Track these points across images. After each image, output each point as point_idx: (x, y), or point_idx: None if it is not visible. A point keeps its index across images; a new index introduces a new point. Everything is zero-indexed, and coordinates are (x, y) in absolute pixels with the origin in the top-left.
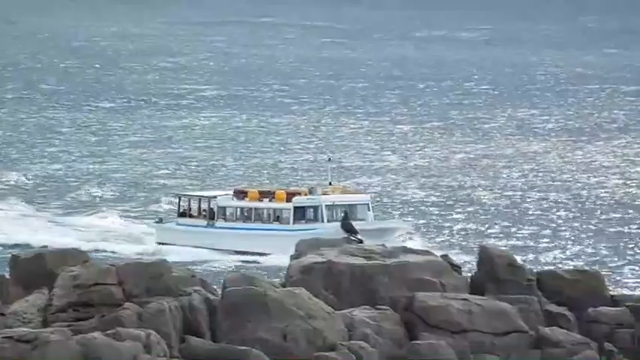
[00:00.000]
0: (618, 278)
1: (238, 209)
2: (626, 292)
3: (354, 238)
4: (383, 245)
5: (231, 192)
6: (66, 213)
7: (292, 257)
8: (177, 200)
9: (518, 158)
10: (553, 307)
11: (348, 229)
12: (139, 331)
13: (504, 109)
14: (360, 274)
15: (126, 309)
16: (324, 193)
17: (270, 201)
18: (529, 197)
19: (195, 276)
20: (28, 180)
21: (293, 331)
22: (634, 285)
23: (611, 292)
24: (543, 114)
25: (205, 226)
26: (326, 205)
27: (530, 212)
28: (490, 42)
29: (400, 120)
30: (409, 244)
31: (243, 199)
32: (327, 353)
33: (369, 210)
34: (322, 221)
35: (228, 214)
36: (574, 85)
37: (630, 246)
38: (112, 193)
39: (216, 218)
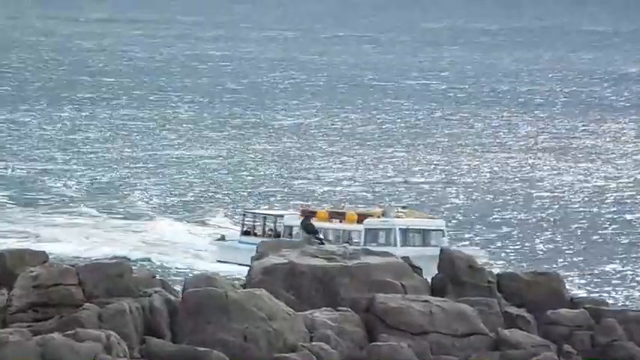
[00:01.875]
0: (577, 280)
1: None
2: (585, 294)
3: (315, 240)
4: (344, 247)
5: (299, 211)
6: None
7: (254, 258)
8: (242, 217)
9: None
10: (513, 309)
11: (310, 230)
12: (99, 332)
13: (467, 113)
14: (322, 275)
15: (86, 309)
16: (398, 217)
17: (340, 222)
18: (490, 198)
19: (155, 276)
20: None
21: (253, 332)
22: (593, 287)
23: (570, 294)
24: (505, 119)
25: None
26: (400, 229)
27: (492, 214)
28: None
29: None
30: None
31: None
32: (287, 354)
33: (443, 236)
34: (395, 245)
35: (294, 233)
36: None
37: (590, 248)
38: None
39: (282, 238)
